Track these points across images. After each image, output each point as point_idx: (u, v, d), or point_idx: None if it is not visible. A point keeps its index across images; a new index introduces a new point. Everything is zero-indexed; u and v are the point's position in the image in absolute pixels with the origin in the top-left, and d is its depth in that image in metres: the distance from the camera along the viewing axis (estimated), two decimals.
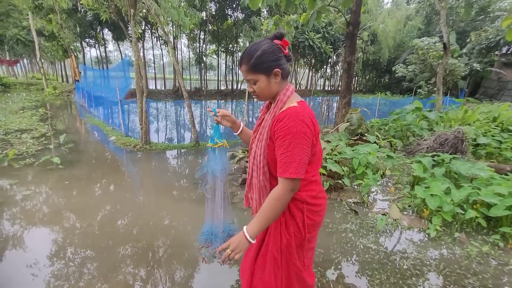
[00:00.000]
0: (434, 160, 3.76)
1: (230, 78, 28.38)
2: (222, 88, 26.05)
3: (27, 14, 14.59)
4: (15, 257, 2.21)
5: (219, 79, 26.71)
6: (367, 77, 36.98)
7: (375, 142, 4.87)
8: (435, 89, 7.80)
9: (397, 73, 17.58)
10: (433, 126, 5.99)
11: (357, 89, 34.49)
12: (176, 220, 2.85)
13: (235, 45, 23.05)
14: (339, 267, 2.17)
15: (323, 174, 3.51)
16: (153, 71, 27.89)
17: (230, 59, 25.64)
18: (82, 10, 16.79)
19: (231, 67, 26.84)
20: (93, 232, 2.57)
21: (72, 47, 16.39)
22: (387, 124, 6.92)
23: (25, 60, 30.94)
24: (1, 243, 2.36)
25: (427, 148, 4.75)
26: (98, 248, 2.33)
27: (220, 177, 1.24)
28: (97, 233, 2.56)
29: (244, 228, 1.01)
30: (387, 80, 32.11)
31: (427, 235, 2.64)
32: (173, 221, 2.82)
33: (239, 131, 1.27)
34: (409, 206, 3.20)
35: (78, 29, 18.16)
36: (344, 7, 5.80)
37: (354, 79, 27.93)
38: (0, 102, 12.68)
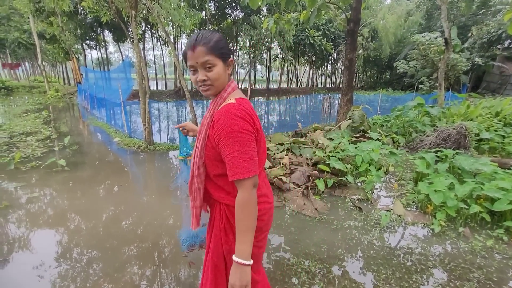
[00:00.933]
0: (437, 156, 3.77)
1: (237, 78, 28.39)
2: None
3: (28, 18, 14.66)
4: (22, 258, 2.24)
5: None
6: (368, 74, 36.83)
7: (377, 139, 4.88)
8: (437, 84, 7.78)
9: (399, 69, 17.51)
10: (435, 122, 5.98)
11: (358, 86, 34.41)
12: (180, 220, 2.88)
13: (235, 44, 23.03)
14: (344, 263, 2.19)
15: (327, 172, 3.54)
16: (154, 71, 27.94)
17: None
18: (82, 12, 16.84)
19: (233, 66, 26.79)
20: (98, 233, 2.61)
21: (73, 49, 16.45)
22: (389, 121, 6.92)
23: (26, 63, 31.08)
24: (8, 245, 2.40)
25: (430, 144, 4.76)
26: (103, 248, 2.37)
27: None
28: (102, 233, 2.60)
29: (233, 257, 0.93)
30: (388, 76, 31.98)
31: (431, 231, 2.66)
32: (177, 221, 2.85)
33: None
34: (413, 202, 3.21)
35: (78, 31, 18.23)
36: (344, 4, 5.79)
37: (355, 76, 27.85)
38: (3, 105, 12.79)
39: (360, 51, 23.74)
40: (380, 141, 4.65)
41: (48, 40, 17.14)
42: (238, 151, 0.89)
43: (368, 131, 5.32)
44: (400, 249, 2.39)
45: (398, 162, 4.35)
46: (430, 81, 14.79)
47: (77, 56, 19.32)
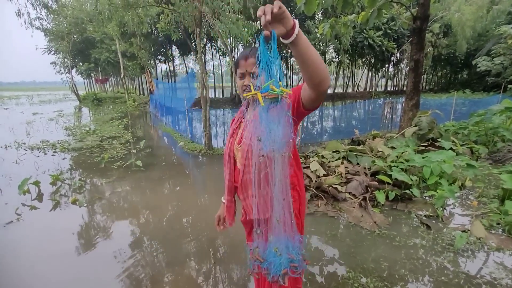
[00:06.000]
0: None
1: (284, 84, 28.56)
2: None
3: (115, 40, 17.52)
4: (104, 243, 2.67)
5: None
6: (439, 74, 32.68)
7: (451, 149, 4.31)
8: None
9: (479, 67, 15.11)
10: None
11: (426, 88, 30.79)
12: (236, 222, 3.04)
13: (289, 51, 23.15)
14: (409, 285, 2.01)
15: (388, 183, 3.29)
16: (212, 80, 30.09)
17: (284, 64, 25.87)
18: (155, 32, 19.32)
19: (284, 72, 27.04)
20: (163, 227, 2.95)
21: (147, 64, 18.97)
22: (466, 128, 6.01)
23: (112, 78, 36.96)
24: (95, 231, 2.90)
25: None
26: (167, 240, 2.65)
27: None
28: (166, 227, 2.93)
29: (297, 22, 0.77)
30: (465, 76, 27.80)
31: None
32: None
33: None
34: (498, 224, 2.74)
35: (152, 48, 20.93)
36: (409, 0, 5.34)
37: (422, 77, 24.94)
38: (96, 113, 15.47)
39: (428, 49, 21.23)
40: (454, 151, 4.09)
41: (128, 57, 20.18)
42: None
43: (439, 140, 4.74)
44: (480, 277, 2.07)
45: (477, 176, 3.76)
46: None
47: (150, 70, 22.18)
